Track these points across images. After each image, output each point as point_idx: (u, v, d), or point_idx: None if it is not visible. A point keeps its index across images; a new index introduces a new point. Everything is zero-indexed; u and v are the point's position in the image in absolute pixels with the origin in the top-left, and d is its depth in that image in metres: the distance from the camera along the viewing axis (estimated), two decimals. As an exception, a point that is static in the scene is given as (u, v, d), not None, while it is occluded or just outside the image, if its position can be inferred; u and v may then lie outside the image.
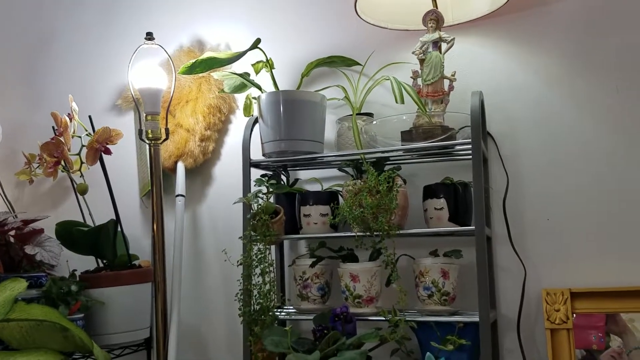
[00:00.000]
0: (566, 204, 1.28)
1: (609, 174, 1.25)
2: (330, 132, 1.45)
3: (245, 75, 1.41)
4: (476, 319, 1.15)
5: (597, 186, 1.26)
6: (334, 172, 1.47)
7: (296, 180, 1.47)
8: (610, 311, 1.19)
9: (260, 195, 1.32)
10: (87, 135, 1.52)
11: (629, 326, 1.17)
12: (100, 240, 1.49)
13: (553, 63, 1.31)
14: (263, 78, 1.45)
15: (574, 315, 1.20)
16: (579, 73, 1.29)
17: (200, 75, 1.53)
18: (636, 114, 1.24)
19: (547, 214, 1.29)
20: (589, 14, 1.28)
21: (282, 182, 1.42)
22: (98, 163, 1.49)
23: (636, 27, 1.25)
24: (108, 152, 1.47)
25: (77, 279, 1.45)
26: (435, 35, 1.24)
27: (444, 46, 1.25)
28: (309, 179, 1.49)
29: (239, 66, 1.51)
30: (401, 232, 1.22)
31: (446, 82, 1.27)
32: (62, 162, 1.52)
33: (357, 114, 1.34)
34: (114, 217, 1.49)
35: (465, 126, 1.24)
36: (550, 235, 1.29)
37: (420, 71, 1.27)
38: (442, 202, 1.23)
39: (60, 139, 1.50)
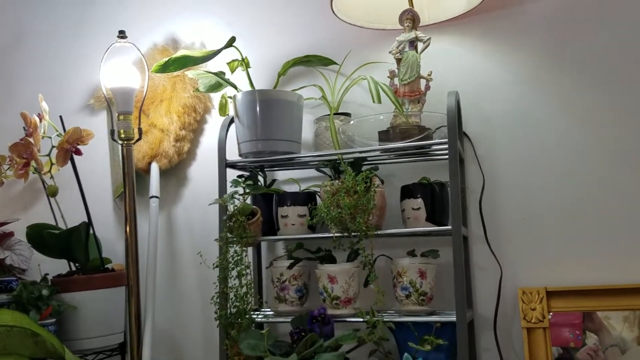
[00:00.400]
0: (542, 203, 1.29)
1: (584, 173, 1.26)
2: (307, 132, 1.44)
3: (220, 74, 1.39)
4: (453, 318, 1.15)
5: (572, 185, 1.27)
6: (311, 172, 1.46)
7: (273, 180, 1.46)
8: (587, 309, 1.20)
9: (237, 196, 1.30)
10: (57, 135, 1.48)
11: (604, 324, 1.19)
12: (72, 243, 1.46)
13: (528, 62, 1.32)
14: (239, 77, 1.43)
15: (550, 314, 1.21)
16: (554, 72, 1.30)
17: (175, 74, 1.50)
18: (611, 112, 1.25)
19: (523, 213, 1.30)
20: (563, 13, 1.30)
21: (259, 183, 1.40)
22: (69, 164, 1.46)
23: (609, 25, 1.26)
24: (79, 152, 1.43)
25: (49, 283, 1.42)
26: (412, 34, 1.24)
27: (420, 46, 1.25)
28: (286, 179, 1.48)
29: (214, 65, 1.49)
30: (379, 232, 1.22)
31: (423, 82, 1.27)
32: (33, 163, 1.48)
33: (334, 114, 1.34)
34: (86, 220, 1.46)
35: (441, 126, 1.24)
36: (526, 234, 1.29)
37: (397, 71, 1.27)
38: (419, 202, 1.23)
39: (30, 139, 1.46)
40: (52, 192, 1.49)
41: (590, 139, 1.26)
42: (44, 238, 1.46)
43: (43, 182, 1.53)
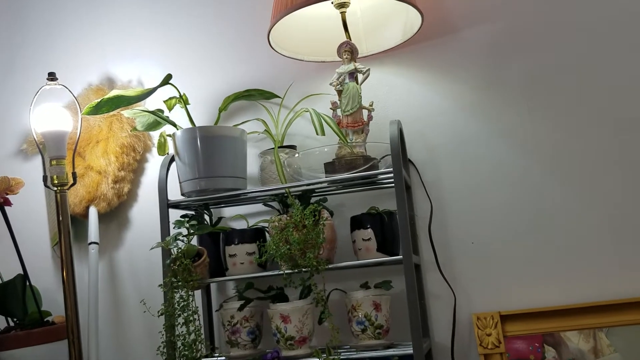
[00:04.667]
0: (488, 226, 1.29)
1: (530, 196, 1.27)
2: (253, 166, 1.41)
3: (158, 112, 1.34)
4: (410, 351, 1.12)
5: (518, 208, 1.28)
6: (259, 207, 1.42)
7: (220, 218, 1.41)
8: (542, 332, 1.20)
9: (181, 237, 1.25)
10: (-15, 186, 1.40)
11: (562, 337, 1.19)
12: (7, 297, 1.38)
13: (465, 88, 1.33)
14: (178, 114, 1.40)
15: (506, 338, 1.21)
16: (493, 98, 1.32)
17: (111, 113, 1.45)
18: (548, 131, 1.28)
19: (471, 237, 1.30)
20: (499, 39, 1.32)
21: (205, 222, 1.35)
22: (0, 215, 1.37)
23: (546, 50, 1.29)
24: (8, 203, 1.35)
25: (-15, 341, 1.32)
26: (351, 66, 1.24)
27: (360, 77, 1.25)
28: (233, 216, 1.44)
29: (152, 103, 1.45)
30: (330, 266, 1.18)
31: (365, 112, 1.26)
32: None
33: (279, 147, 1.31)
34: (22, 272, 1.37)
35: (386, 155, 1.23)
36: (477, 258, 1.29)
37: (338, 102, 1.26)
38: (369, 233, 1.21)
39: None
40: (-24, 248, 1.39)
41: (533, 164, 1.28)
42: (-25, 295, 1.36)
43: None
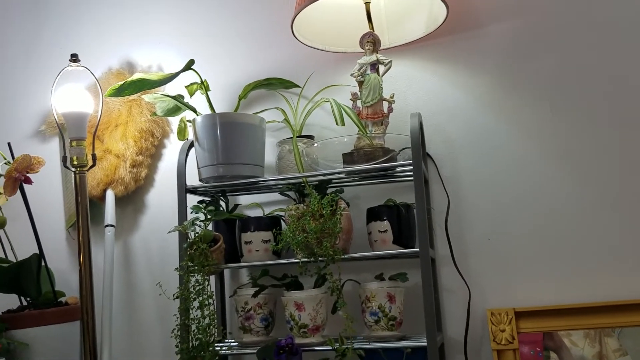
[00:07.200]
0: (505, 222, 1.29)
1: (547, 193, 1.27)
2: (270, 155, 1.41)
3: (178, 98, 1.35)
4: (424, 343, 1.12)
5: (535, 205, 1.27)
6: (275, 196, 1.42)
7: (236, 205, 1.42)
8: (555, 329, 1.19)
9: (198, 222, 1.26)
10: (5, 164, 1.41)
11: (564, 341, 1.19)
12: (22, 276, 1.38)
13: (487, 84, 1.33)
14: (198, 100, 1.40)
15: (519, 334, 1.20)
16: (512, 93, 1.31)
17: (131, 97, 1.45)
18: (568, 130, 1.27)
19: (488, 233, 1.30)
20: (520, 35, 1.32)
21: (221, 208, 1.36)
22: (19, 193, 1.38)
23: (567, 47, 1.29)
24: (28, 181, 1.36)
25: (-1, 319, 1.33)
26: (373, 57, 1.24)
27: (381, 68, 1.25)
28: (249, 204, 1.44)
29: (172, 88, 1.45)
30: (346, 256, 1.19)
31: (385, 104, 1.26)
32: (-21, 194, 1.40)
33: (297, 137, 1.31)
34: (37, 252, 1.38)
35: (405, 147, 1.23)
36: (492, 254, 1.29)
37: (359, 93, 1.26)
38: (385, 225, 1.22)
39: (-26, 169, 1.38)
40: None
41: (551, 161, 1.28)
42: (-10, 272, 1.37)
43: (-8, 212, 1.45)
